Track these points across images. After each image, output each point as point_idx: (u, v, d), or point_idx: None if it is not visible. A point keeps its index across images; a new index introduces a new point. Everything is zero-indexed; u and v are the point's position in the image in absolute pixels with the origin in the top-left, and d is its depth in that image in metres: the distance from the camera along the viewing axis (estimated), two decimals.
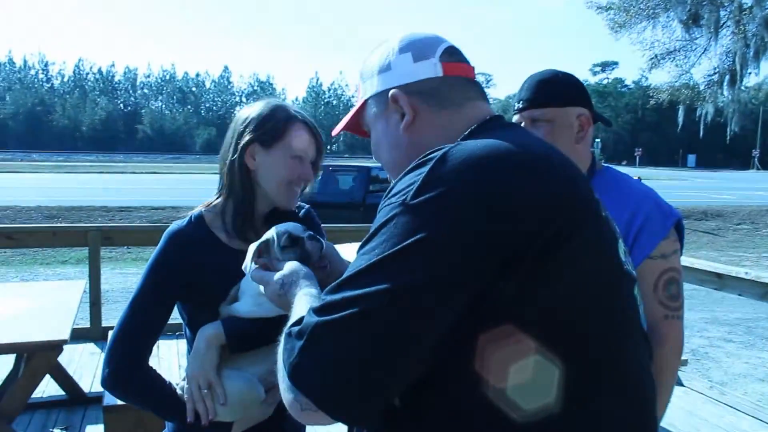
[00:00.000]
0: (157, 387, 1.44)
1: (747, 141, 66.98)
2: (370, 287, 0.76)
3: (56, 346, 2.77)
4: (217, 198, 1.54)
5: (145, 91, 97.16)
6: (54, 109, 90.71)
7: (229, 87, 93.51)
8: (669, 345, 1.55)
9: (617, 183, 1.67)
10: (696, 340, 6.44)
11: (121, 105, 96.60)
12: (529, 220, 0.78)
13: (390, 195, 0.84)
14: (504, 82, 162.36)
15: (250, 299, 1.35)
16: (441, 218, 0.78)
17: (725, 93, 13.54)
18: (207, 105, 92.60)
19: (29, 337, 2.78)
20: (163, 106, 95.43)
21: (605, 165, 1.74)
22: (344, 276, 0.80)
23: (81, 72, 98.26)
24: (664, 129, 74.33)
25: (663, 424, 1.56)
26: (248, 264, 1.23)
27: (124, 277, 9.13)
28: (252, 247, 1.27)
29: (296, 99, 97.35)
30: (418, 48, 1.03)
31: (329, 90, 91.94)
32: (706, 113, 13.77)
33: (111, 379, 1.41)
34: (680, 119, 14.81)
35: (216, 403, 1.35)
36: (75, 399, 3.73)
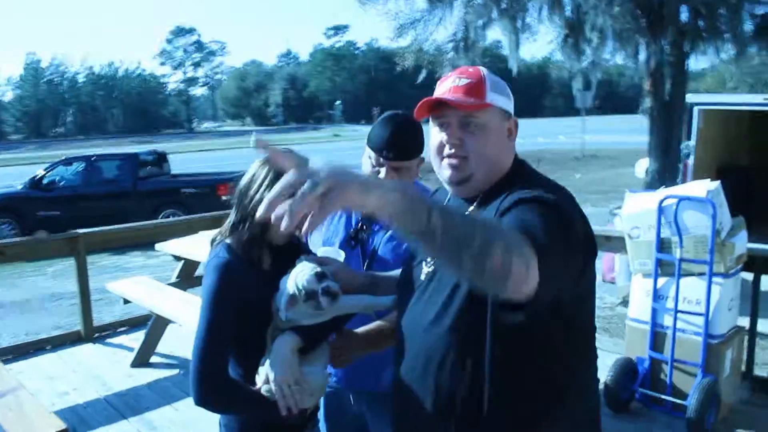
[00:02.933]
0: (244, 395, 1.70)
1: None
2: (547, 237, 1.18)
3: None
4: (233, 228, 1.80)
5: None
6: None
7: None
8: None
9: None
10: None
11: None
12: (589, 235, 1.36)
13: (527, 196, 1.28)
14: (237, 49, 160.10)
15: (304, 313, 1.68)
16: (570, 218, 1.29)
17: (461, 57, 15.08)
18: None
19: None
20: None
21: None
22: (535, 228, 1.19)
23: None
24: (398, 88, 79.70)
25: None
26: (283, 309, 1.65)
27: None
28: (284, 300, 1.64)
29: (10, 78, 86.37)
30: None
31: (50, 67, 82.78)
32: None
33: (205, 401, 1.66)
34: (420, 80, 16.36)
35: (304, 395, 1.67)
36: None
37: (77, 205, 11.40)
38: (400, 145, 2.01)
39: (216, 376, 1.67)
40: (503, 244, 1.03)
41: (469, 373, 1.35)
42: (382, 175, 2.01)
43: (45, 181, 11.81)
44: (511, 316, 1.28)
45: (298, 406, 1.67)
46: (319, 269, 1.65)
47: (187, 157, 27.60)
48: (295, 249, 1.83)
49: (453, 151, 1.44)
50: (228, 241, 1.79)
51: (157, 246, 5.21)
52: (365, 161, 2.09)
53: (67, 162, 12.45)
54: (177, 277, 5.27)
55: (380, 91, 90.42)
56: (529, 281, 1.07)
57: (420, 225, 0.98)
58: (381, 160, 2.00)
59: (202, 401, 1.66)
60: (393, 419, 1.61)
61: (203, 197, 11.53)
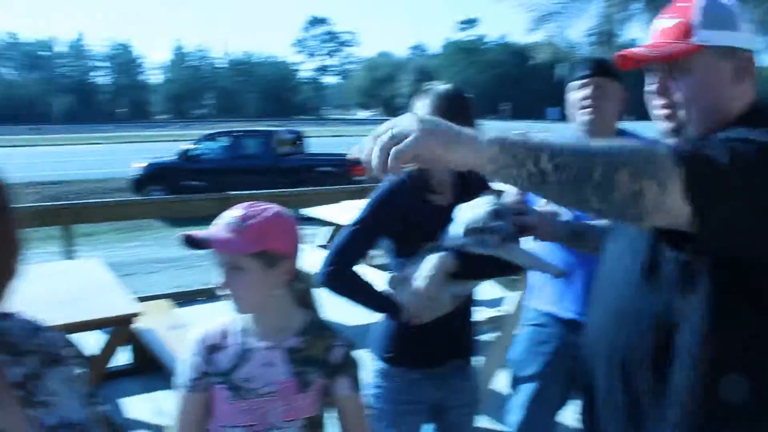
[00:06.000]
0: (364, 287, 1.86)
1: None
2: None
3: (131, 318, 3.01)
4: None
5: None
6: None
7: (84, 52, 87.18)
8: None
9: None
10: None
11: None
12: None
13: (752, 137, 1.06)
14: (369, 40, 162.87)
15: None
16: None
17: (597, 52, 14.64)
18: (62, 71, 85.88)
19: (111, 311, 3.01)
20: (12, 72, 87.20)
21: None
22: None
23: None
24: (527, 84, 78.25)
25: None
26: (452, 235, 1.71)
27: None
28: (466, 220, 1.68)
29: (161, 63, 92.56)
30: (750, 21, 1.23)
31: (194, 53, 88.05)
32: None
33: (325, 277, 1.84)
34: (559, 75, 15.95)
35: (428, 311, 1.76)
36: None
37: (221, 177, 12.08)
38: (601, 63, 2.17)
39: (339, 266, 1.84)
40: (631, 167, 0.97)
41: (657, 343, 1.19)
42: (588, 92, 2.14)
43: (193, 154, 12.68)
44: (694, 263, 1.13)
45: (419, 318, 1.78)
46: (497, 207, 1.62)
47: (319, 141, 28.49)
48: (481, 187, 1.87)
49: (660, 101, 1.30)
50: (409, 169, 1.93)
51: (303, 211, 5.51)
52: (571, 100, 2.21)
53: (213, 137, 13.30)
54: (328, 241, 5.57)
55: (509, 86, 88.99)
56: (671, 203, 0.97)
57: (528, 172, 1.00)
58: (586, 80, 2.15)
59: (322, 281, 1.84)
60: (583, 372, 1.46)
61: (338, 176, 11.94)
